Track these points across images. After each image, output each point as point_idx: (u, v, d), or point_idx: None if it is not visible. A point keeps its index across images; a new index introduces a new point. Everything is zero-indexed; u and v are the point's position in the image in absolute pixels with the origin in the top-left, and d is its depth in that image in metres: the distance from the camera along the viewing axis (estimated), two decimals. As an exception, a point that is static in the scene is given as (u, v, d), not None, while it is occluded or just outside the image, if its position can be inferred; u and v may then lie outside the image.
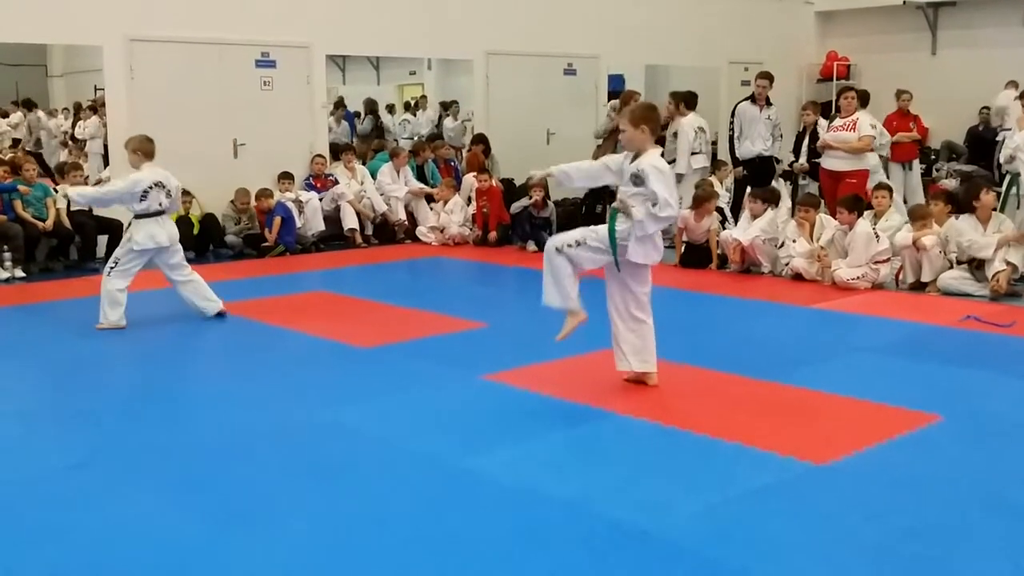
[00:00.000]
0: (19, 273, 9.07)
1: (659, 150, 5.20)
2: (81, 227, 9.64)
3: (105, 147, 12.38)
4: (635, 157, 5.11)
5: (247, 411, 5.10)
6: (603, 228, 5.16)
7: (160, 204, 6.89)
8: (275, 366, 6.04)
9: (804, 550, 3.41)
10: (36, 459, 4.42)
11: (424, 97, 16.73)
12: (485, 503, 3.86)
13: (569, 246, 5.15)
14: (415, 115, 16.63)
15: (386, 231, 11.60)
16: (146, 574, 3.28)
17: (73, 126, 13.78)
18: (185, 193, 9.99)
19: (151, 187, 6.82)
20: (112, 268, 6.93)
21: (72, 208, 9.69)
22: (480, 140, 12.50)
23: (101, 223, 9.82)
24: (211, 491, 4.03)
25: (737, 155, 10.93)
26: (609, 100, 13.77)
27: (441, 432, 4.70)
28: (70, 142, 13.59)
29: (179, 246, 7.09)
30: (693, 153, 10.78)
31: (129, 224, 7.06)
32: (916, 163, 12.79)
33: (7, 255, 9.04)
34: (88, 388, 5.56)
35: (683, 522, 3.61)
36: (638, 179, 5.02)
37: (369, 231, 11.53)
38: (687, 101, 10.93)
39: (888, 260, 8.22)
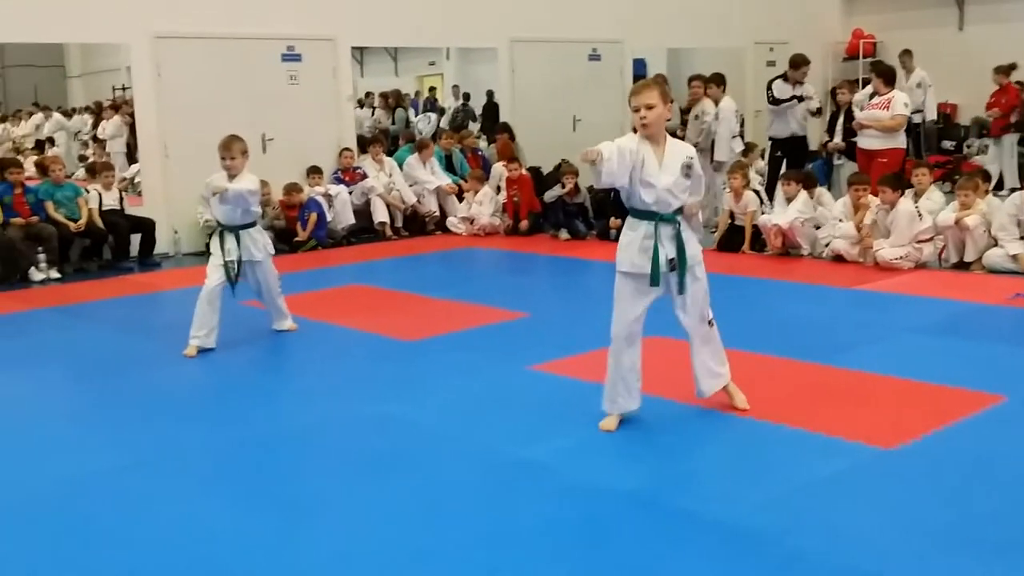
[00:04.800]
0: (54, 274, 9.07)
1: None
2: (114, 227, 9.63)
3: (128, 146, 12.41)
4: (654, 142, 4.32)
5: (296, 407, 5.08)
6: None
7: None
8: (319, 361, 6.01)
9: (883, 537, 3.33)
10: (90, 459, 4.40)
11: (433, 88, 16.68)
12: (547, 494, 3.81)
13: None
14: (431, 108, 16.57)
15: (416, 223, 11.54)
16: (208, 569, 3.26)
17: (94, 126, 13.79)
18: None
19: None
20: (279, 283, 6.61)
21: (103, 208, 9.69)
22: (504, 129, 12.43)
23: (134, 223, 9.82)
24: (267, 488, 4.00)
25: (769, 134, 10.81)
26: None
27: (495, 423, 4.64)
28: (91, 142, 13.61)
29: None
30: (732, 137, 10.69)
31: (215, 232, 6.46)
32: (1007, 138, 12.74)
33: (41, 256, 9.05)
34: (135, 388, 5.52)
35: (755, 511, 3.54)
36: (689, 171, 4.35)
37: (399, 223, 11.48)
38: (722, 83, 10.80)
39: (931, 239, 8.10)
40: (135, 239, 9.81)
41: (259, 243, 6.41)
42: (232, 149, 6.24)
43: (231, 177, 6.26)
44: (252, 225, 6.40)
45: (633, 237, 4.37)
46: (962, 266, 8.01)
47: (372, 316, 7.09)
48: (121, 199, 9.98)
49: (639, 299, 4.38)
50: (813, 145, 11.50)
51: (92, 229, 9.49)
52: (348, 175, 11.27)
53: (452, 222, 11.41)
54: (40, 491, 4.03)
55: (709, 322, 4.57)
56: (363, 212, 11.22)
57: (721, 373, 4.70)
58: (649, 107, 4.24)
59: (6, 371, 6.02)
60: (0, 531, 3.66)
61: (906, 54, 13.32)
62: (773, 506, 3.58)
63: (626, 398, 4.49)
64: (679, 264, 4.34)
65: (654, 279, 4.32)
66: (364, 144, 11.97)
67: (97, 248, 9.66)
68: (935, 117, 13.73)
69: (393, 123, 15.42)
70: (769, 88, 10.90)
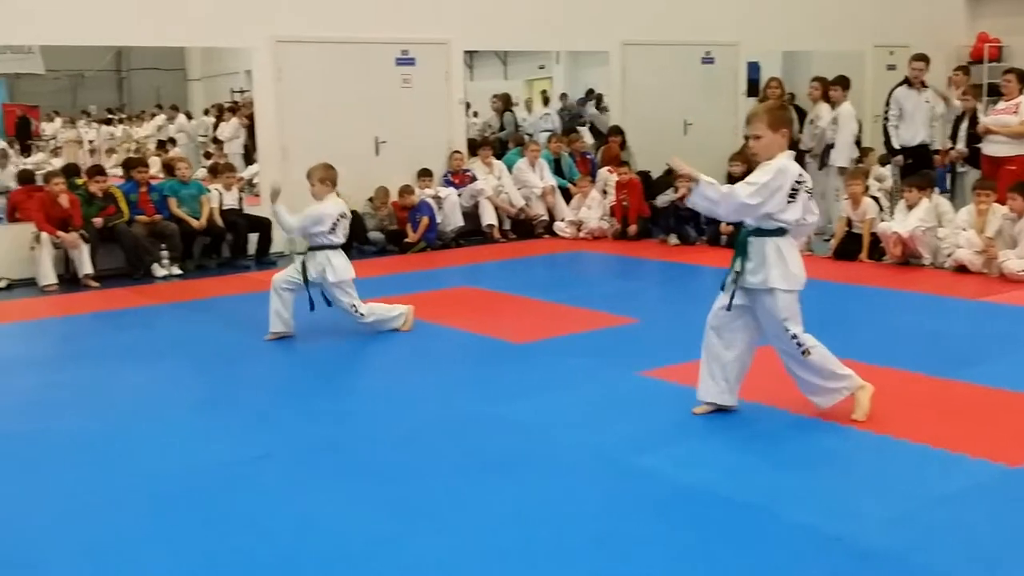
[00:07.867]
0: (176, 271, 9.38)
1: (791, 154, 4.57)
2: (233, 225, 9.93)
3: (245, 147, 12.77)
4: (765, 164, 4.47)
5: (413, 406, 5.12)
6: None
7: (344, 235, 6.73)
8: (434, 362, 6.07)
9: (1010, 555, 3.21)
10: (222, 449, 4.53)
11: (544, 91, 16.64)
12: (660, 502, 3.77)
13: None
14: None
15: (524, 226, 11.58)
16: (335, 565, 3.32)
17: (214, 128, 14.23)
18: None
19: (339, 218, 6.60)
20: (357, 308, 6.62)
21: (223, 207, 9.99)
22: (616, 132, 12.37)
23: (252, 221, 10.09)
24: (390, 485, 4.05)
25: (897, 143, 10.45)
26: (749, 89, 13.46)
27: (608, 429, 4.61)
28: (212, 144, 14.04)
29: None
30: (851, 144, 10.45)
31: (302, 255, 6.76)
32: None
33: (164, 253, 9.37)
34: (258, 383, 5.68)
35: (878, 527, 3.44)
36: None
37: (507, 226, 11.53)
38: (846, 87, 10.54)
39: (1062, 250, 7.77)
40: (252, 238, 10.09)
41: (320, 267, 6.54)
42: (311, 177, 6.65)
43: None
44: (320, 248, 6.57)
45: None
46: (1095, 279, 7.66)
47: (481, 318, 7.13)
48: (240, 199, 10.27)
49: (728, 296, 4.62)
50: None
51: (212, 227, 9.80)
52: (457, 177, 11.38)
53: (559, 226, 11.40)
54: (171, 481, 4.15)
55: (803, 352, 4.53)
56: (471, 214, 11.31)
57: (833, 388, 4.61)
58: (756, 137, 4.49)
59: (132, 363, 6.22)
60: (135, 521, 3.77)
61: None
62: (896, 523, 3.47)
63: (712, 387, 4.67)
64: (738, 276, 4.53)
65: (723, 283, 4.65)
66: (474, 147, 12.07)
67: (216, 246, 9.97)
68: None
69: (502, 127, 15.45)
70: (888, 100, 10.52)
